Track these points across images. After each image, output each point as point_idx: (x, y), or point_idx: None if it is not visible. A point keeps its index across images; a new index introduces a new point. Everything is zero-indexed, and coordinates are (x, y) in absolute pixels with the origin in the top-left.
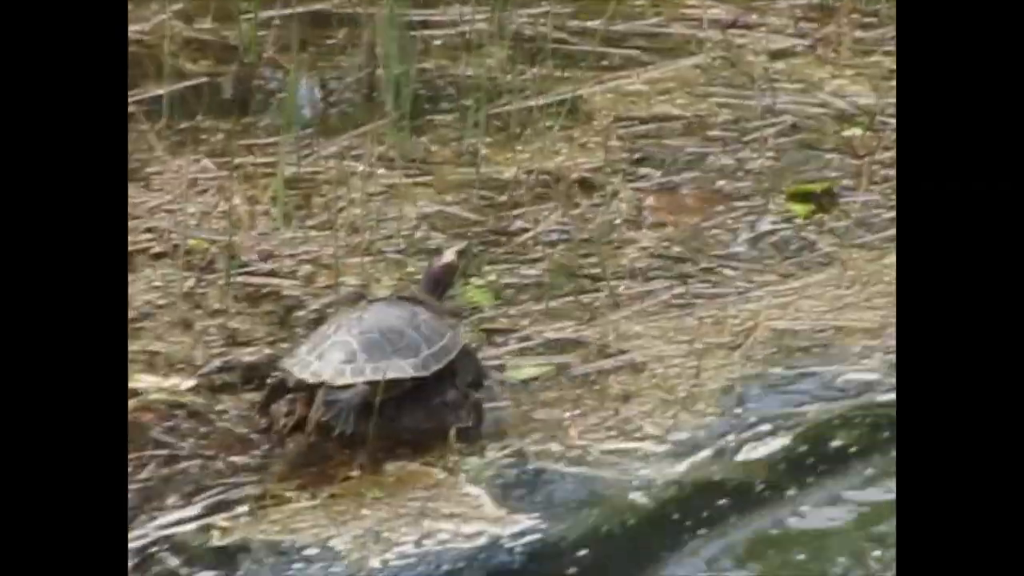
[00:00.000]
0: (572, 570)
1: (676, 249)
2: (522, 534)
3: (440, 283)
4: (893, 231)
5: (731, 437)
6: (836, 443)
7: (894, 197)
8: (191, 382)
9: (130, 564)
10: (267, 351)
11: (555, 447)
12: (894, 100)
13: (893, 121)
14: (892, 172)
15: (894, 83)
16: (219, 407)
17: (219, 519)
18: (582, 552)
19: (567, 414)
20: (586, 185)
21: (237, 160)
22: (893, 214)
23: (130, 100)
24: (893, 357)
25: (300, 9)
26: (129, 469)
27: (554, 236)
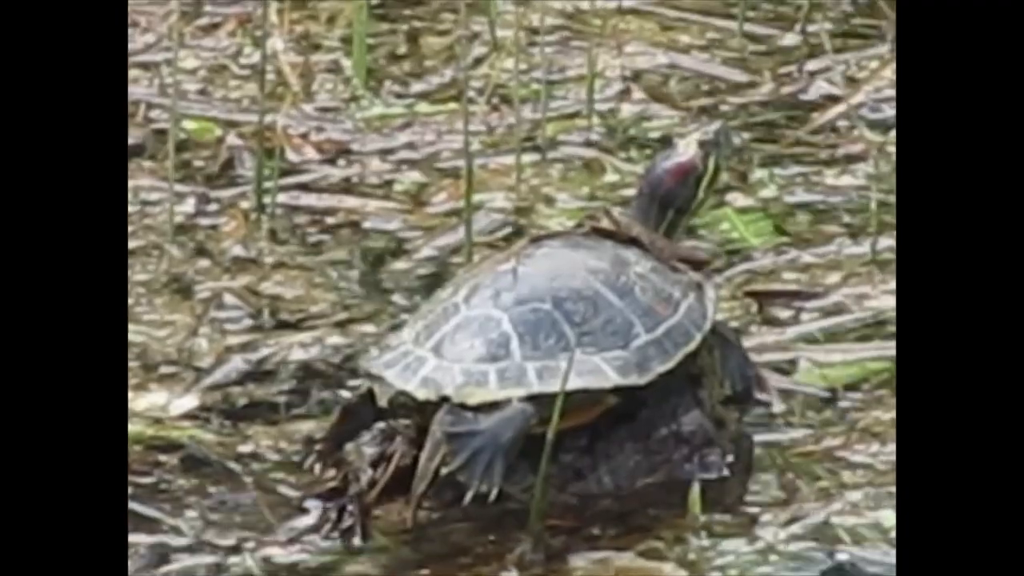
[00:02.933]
0: None
1: None
2: None
3: (671, 203)
4: None
5: None
6: None
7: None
8: (190, 402)
9: None
10: (335, 339)
11: (888, 516)
12: None
13: None
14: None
15: None
16: (244, 448)
17: None
18: None
19: None
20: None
21: None
22: None
23: None
24: None
25: None
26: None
27: (887, 112)
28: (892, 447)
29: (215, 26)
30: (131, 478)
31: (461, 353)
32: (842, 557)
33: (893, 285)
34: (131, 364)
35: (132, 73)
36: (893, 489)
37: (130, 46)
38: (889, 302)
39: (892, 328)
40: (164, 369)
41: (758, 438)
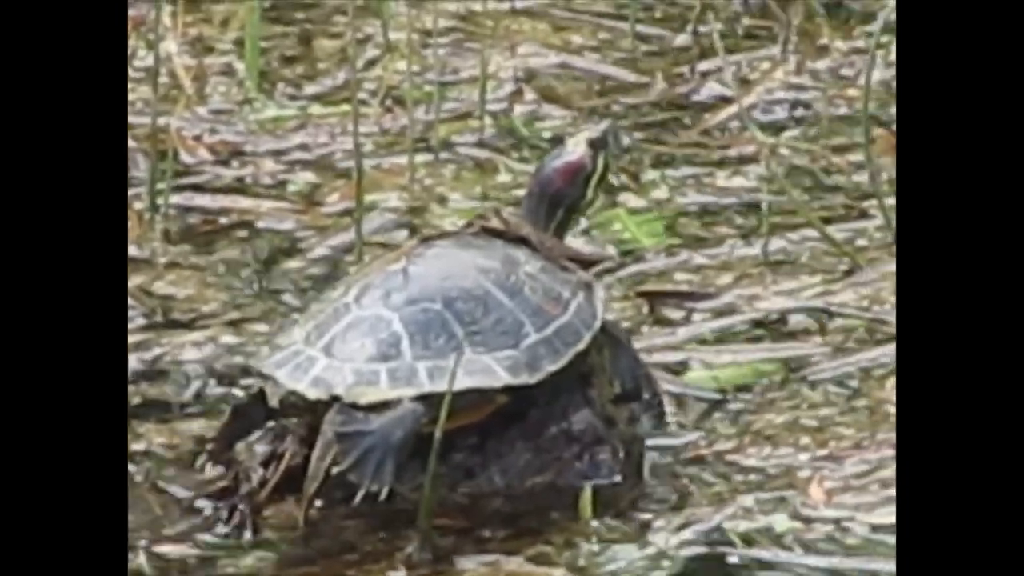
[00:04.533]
0: None
1: None
2: None
3: (561, 203)
4: None
5: None
6: None
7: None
8: None
9: None
10: (227, 339)
11: (781, 520)
12: None
13: None
14: None
15: None
16: (137, 447)
17: None
18: None
19: (804, 456)
20: (838, 9)
21: None
22: None
23: None
24: None
25: None
26: None
27: (779, 112)
28: (783, 450)
29: None
30: None
31: (352, 353)
32: (736, 556)
33: (784, 286)
34: None
35: None
36: (784, 493)
37: None
38: (779, 303)
39: (782, 328)
40: None
41: (649, 442)
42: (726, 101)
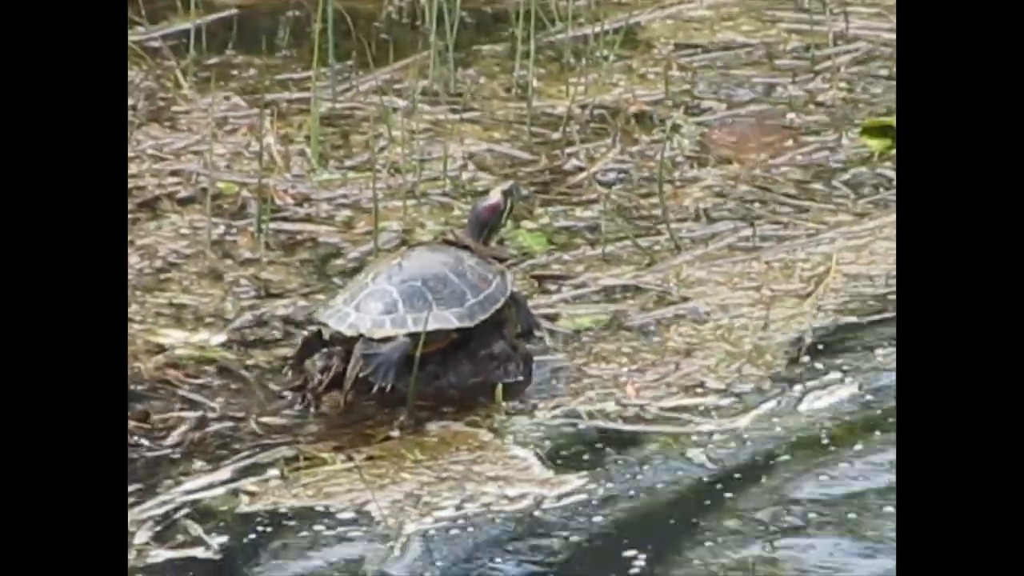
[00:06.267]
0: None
1: (742, 188)
2: (568, 495)
3: (486, 226)
4: None
5: (798, 389)
6: None
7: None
8: (221, 337)
9: (154, 531)
10: (302, 303)
11: (611, 405)
12: None
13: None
14: None
15: None
16: (250, 363)
17: (248, 483)
18: (630, 509)
19: (624, 370)
20: (645, 119)
21: (269, 96)
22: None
23: (156, 34)
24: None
25: None
26: (157, 431)
27: (611, 176)
28: (611, 365)
29: (234, 130)
30: (186, 379)
31: (370, 309)
32: (584, 426)
33: (613, 272)
34: (188, 317)
35: (187, 157)
36: (612, 390)
37: (184, 143)
38: (610, 281)
39: (612, 296)
40: (207, 320)
41: (537, 359)
42: (581, 169)
